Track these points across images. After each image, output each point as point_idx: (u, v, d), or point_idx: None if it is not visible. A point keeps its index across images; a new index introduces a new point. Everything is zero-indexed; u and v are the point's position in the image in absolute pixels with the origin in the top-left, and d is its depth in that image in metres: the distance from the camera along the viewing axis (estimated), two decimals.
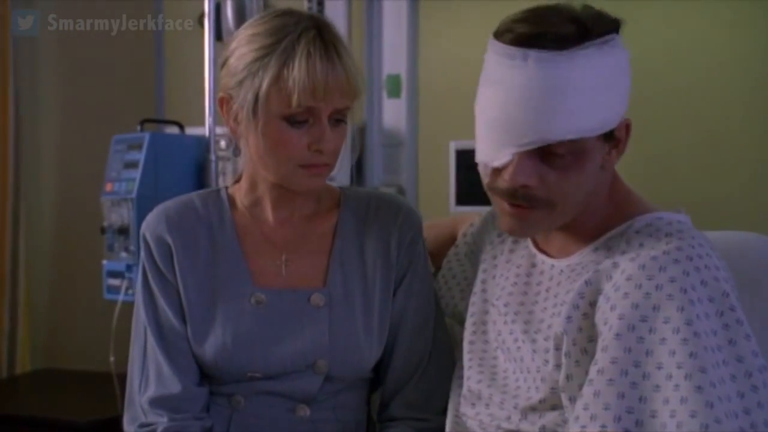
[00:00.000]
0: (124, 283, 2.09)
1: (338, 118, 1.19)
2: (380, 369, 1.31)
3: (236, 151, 1.27)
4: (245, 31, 1.21)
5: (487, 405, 1.17)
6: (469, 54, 3.45)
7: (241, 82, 1.17)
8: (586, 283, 1.04)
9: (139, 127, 2.24)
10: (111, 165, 2.18)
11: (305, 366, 1.23)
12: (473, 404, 1.19)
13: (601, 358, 0.96)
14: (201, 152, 2.19)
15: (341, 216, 1.31)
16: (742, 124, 3.17)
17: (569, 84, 1.02)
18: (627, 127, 1.10)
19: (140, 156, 2.09)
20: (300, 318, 1.24)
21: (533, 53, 1.02)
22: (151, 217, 1.28)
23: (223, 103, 1.22)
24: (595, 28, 1.04)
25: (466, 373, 1.22)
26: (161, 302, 1.25)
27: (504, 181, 1.07)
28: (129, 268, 2.09)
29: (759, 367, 0.94)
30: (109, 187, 2.16)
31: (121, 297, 2.09)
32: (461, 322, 1.38)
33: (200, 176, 2.18)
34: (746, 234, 1.34)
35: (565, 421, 1.04)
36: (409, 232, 1.31)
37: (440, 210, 3.01)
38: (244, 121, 1.18)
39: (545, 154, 1.05)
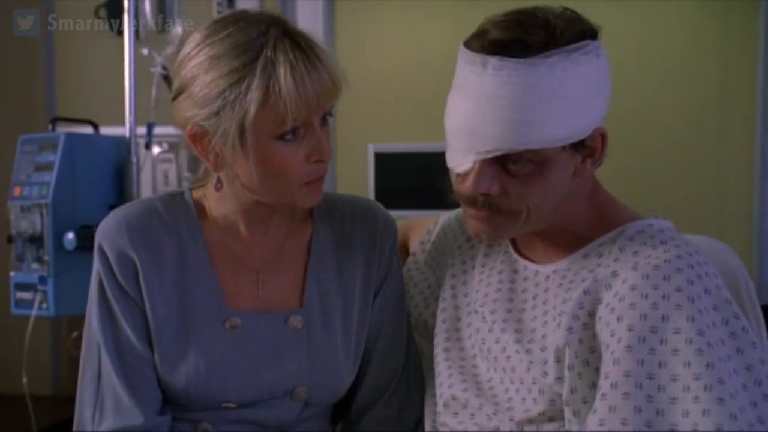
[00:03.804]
0: (38, 297, 1.91)
1: (324, 119, 1.10)
2: (350, 386, 1.23)
3: (218, 186, 1.12)
4: (200, 53, 1.06)
5: (473, 415, 1.12)
6: (387, 56, 3.46)
7: (216, 113, 1.04)
8: (585, 292, 1.02)
9: (50, 127, 2.07)
10: (19, 167, 1.99)
11: (283, 393, 1.14)
12: (456, 413, 1.14)
13: (614, 372, 0.94)
14: (120, 154, 2.04)
15: (316, 229, 1.22)
16: (692, 134, 3.30)
17: (529, 93, 0.99)
18: (602, 136, 1.06)
19: (55, 157, 1.92)
20: (277, 342, 1.15)
21: (493, 60, 1.00)
22: (108, 227, 1.13)
23: (195, 138, 1.08)
24: (564, 35, 1.00)
25: (446, 381, 1.17)
26: (122, 323, 1.11)
27: (466, 188, 1.06)
28: (42, 280, 1.91)
29: (767, 375, 0.94)
30: (17, 191, 1.97)
31: (34, 312, 1.91)
32: (424, 332, 1.34)
33: (119, 179, 2.04)
34: (701, 238, 1.36)
35: None
36: (388, 242, 1.25)
37: None
38: (229, 152, 1.06)
39: (507, 163, 1.03)
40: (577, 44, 1.01)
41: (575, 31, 1.02)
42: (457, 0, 2.86)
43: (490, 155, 1.02)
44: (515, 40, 1.00)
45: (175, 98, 1.10)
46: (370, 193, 2.98)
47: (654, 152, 3.37)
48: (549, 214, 1.08)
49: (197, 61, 1.06)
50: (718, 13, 3.28)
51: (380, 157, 3.02)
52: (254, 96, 1.01)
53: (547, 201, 1.06)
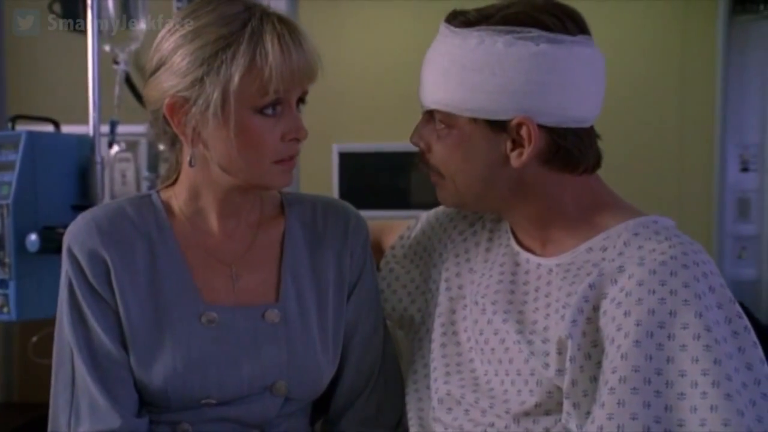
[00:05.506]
0: None
1: (299, 102, 1.13)
2: (329, 385, 1.23)
3: (192, 162, 1.13)
4: (184, 26, 1.08)
5: (467, 411, 1.12)
6: (351, 56, 3.44)
7: (199, 80, 1.05)
8: (590, 286, 1.02)
9: (10, 125, 2.00)
10: None
11: (263, 388, 1.14)
12: (450, 409, 1.14)
13: (622, 366, 0.94)
14: (83, 153, 1.98)
15: (288, 223, 1.23)
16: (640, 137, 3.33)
17: (449, 58, 1.09)
18: (527, 128, 1.07)
19: (15, 156, 1.84)
20: (255, 336, 1.14)
21: (441, 27, 1.13)
22: (78, 229, 1.13)
23: (173, 109, 1.08)
24: (497, 15, 1.07)
25: (441, 377, 1.17)
26: (95, 326, 1.10)
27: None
28: (3, 283, 1.84)
29: (767, 375, 0.95)
30: None
31: None
32: (409, 327, 1.33)
33: (83, 179, 1.97)
34: None
35: (566, 429, 1.01)
36: (360, 238, 1.26)
37: None
38: (210, 123, 1.06)
39: (434, 121, 1.14)
40: (513, 27, 1.05)
41: (520, 14, 1.06)
42: (423, 0, 2.85)
43: (423, 110, 1.16)
44: (463, 13, 1.10)
45: (152, 75, 1.11)
46: (335, 193, 2.96)
47: (613, 155, 3.41)
48: (477, 190, 1.13)
49: (181, 33, 1.07)
50: (677, 13, 3.33)
51: (344, 157, 3.00)
52: (240, 62, 1.03)
53: (466, 172, 1.12)
